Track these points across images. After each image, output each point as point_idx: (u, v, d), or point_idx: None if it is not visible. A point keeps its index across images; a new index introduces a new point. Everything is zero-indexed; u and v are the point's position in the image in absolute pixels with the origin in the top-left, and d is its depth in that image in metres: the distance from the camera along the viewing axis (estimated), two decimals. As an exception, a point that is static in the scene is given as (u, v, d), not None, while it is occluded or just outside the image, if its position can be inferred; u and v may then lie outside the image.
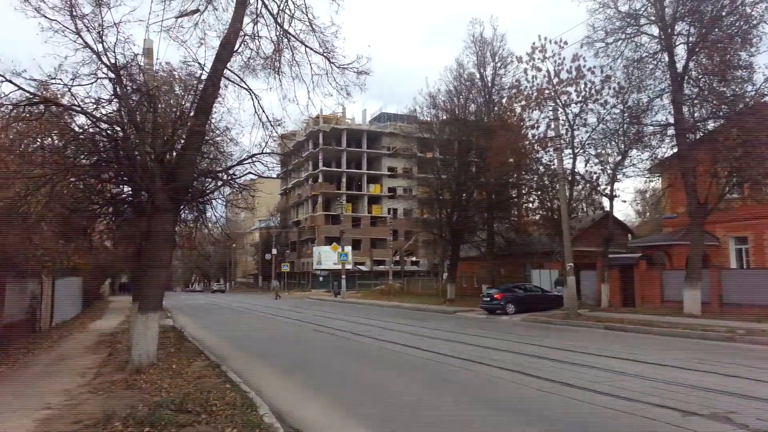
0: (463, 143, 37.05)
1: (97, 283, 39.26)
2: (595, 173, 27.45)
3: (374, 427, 7.34)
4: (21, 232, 13.44)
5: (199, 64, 12.28)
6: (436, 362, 12.54)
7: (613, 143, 26.34)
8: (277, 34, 13.53)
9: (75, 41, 10.65)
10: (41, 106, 10.47)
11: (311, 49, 13.71)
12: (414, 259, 72.13)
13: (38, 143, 13.45)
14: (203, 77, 12.08)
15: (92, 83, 11.10)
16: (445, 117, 38.76)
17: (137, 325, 11.14)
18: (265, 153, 12.87)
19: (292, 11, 13.43)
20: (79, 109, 11.09)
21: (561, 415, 7.74)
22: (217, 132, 13.45)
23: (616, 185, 27.68)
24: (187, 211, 13.49)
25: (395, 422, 7.57)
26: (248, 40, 13.24)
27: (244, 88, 12.97)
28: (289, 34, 13.56)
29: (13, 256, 14.66)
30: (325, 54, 13.70)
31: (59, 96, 11.61)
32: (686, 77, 22.42)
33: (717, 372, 10.70)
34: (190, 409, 7.57)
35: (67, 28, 10.52)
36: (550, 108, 25.82)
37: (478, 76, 37.44)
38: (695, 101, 22.66)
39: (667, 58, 22.67)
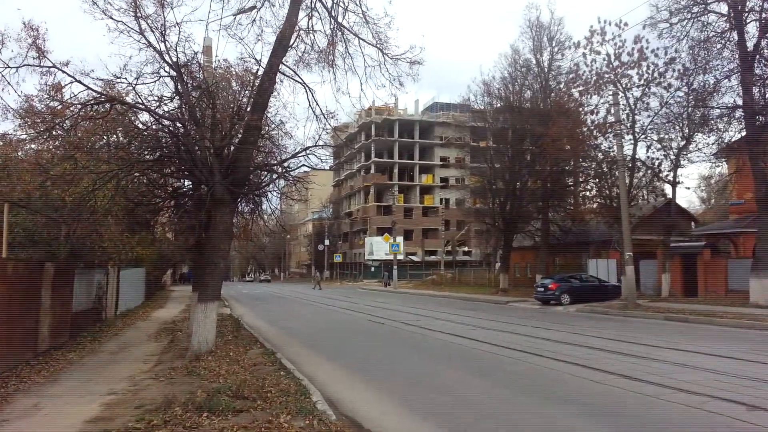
0: (518, 131, 36.32)
1: (159, 273, 40.73)
2: (657, 159, 26.49)
3: (426, 416, 7.35)
4: (89, 225, 14.13)
5: (256, 60, 12.53)
6: (488, 353, 12.44)
7: (677, 127, 25.35)
8: (331, 27, 13.64)
9: (139, 41, 11.02)
10: (107, 105, 10.94)
11: (364, 41, 13.77)
12: (466, 249, 71.51)
13: (104, 140, 14.07)
14: (260, 73, 12.32)
15: (155, 81, 11.51)
16: (499, 105, 38.03)
17: (197, 314, 11.55)
18: (319, 145, 13.08)
19: (346, 4, 13.52)
20: (142, 106, 11.55)
21: (619, 407, 7.54)
22: (273, 126, 13.69)
23: (680, 171, 26.60)
24: (244, 204, 13.83)
25: (445, 412, 7.54)
26: (303, 34, 13.38)
27: (298, 82, 13.17)
28: (343, 26, 13.66)
29: (82, 248, 15.45)
30: (378, 45, 13.73)
31: (124, 95, 12.11)
32: (757, 56, 21.26)
33: (786, 366, 10.18)
34: (247, 396, 7.79)
35: (132, 28, 10.89)
36: (610, 92, 25.00)
37: (534, 61, 36.51)
38: (767, 81, 21.49)
39: (736, 37, 21.52)
